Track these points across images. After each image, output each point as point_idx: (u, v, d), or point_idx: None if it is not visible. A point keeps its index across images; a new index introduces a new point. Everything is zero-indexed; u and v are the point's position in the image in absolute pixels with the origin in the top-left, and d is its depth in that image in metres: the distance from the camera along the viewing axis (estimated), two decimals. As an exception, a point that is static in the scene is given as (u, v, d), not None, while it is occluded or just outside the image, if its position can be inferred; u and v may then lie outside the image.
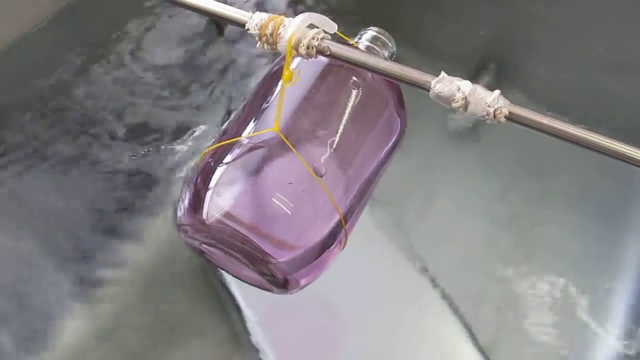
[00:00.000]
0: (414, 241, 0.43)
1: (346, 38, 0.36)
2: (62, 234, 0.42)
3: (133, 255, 0.42)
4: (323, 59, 0.32)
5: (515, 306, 0.40)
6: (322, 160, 0.32)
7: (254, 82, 0.47)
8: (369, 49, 0.38)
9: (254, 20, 0.30)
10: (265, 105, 0.34)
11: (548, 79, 0.49)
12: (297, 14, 0.30)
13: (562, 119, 0.26)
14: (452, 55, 0.51)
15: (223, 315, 0.40)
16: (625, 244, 0.42)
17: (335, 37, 0.32)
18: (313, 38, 0.29)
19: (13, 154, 0.45)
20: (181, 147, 0.46)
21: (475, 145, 0.47)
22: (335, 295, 0.40)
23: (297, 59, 0.33)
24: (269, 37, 0.30)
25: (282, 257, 0.30)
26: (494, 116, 0.27)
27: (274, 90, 0.35)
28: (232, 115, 0.36)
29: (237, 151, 0.32)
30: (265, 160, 0.31)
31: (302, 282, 0.32)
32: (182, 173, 0.45)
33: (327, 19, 0.32)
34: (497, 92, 0.27)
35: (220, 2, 0.32)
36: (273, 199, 0.30)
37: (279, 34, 0.29)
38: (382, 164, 0.36)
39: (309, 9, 0.53)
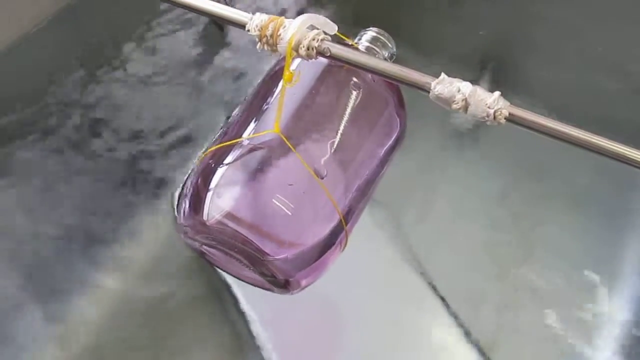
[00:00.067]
0: (414, 241, 0.43)
1: (346, 39, 0.36)
2: (62, 234, 0.42)
3: (133, 255, 0.42)
4: (323, 60, 0.32)
5: (515, 307, 0.40)
6: (322, 162, 0.32)
7: (254, 84, 0.47)
8: (368, 50, 0.38)
9: (254, 21, 0.30)
10: (266, 106, 0.34)
11: (548, 79, 0.49)
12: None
13: (562, 120, 0.26)
14: (452, 56, 0.51)
15: (224, 315, 0.40)
16: (625, 245, 0.42)
17: (335, 38, 0.32)
18: (313, 39, 0.29)
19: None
20: (181, 148, 0.46)
21: (475, 145, 0.47)
22: (335, 296, 0.40)
23: (298, 60, 0.33)
24: (269, 38, 0.30)
25: (282, 258, 0.31)
26: (494, 117, 0.27)
27: (274, 91, 0.35)
28: (233, 116, 0.36)
29: (237, 152, 0.32)
30: (266, 161, 0.31)
31: (303, 282, 0.33)
32: (182, 173, 0.45)
33: (327, 20, 0.32)
34: (497, 93, 0.27)
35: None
36: (273, 200, 0.31)
37: (279, 35, 0.29)
38: (382, 164, 0.36)
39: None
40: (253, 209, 0.31)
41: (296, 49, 0.29)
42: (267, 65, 0.39)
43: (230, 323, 0.39)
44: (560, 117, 0.27)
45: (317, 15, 0.31)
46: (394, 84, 0.36)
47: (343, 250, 0.34)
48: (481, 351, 0.39)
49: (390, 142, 0.36)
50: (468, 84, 0.27)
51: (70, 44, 0.51)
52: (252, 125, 0.33)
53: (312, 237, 0.32)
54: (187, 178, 0.33)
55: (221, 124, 0.48)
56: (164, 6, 0.53)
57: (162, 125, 0.47)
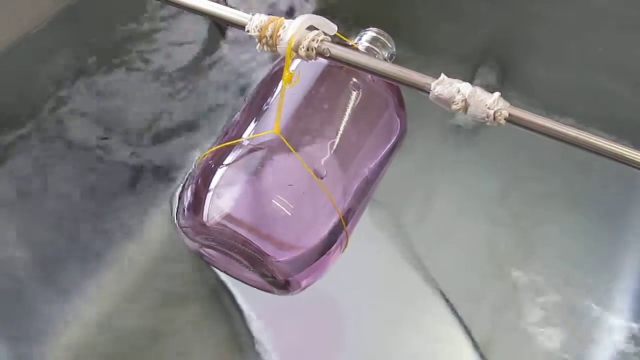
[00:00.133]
0: (414, 241, 0.43)
1: (346, 39, 0.36)
2: (62, 233, 0.42)
3: (133, 255, 0.42)
4: (323, 61, 0.32)
5: (515, 306, 0.40)
6: (322, 162, 0.32)
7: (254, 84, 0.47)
8: (368, 50, 0.38)
9: (254, 22, 0.30)
10: (266, 107, 0.34)
11: (548, 79, 0.49)
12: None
13: (562, 120, 0.26)
14: (452, 56, 0.51)
15: (223, 315, 0.40)
16: (625, 245, 0.42)
17: (335, 39, 0.32)
18: (313, 40, 0.29)
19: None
20: (181, 148, 0.46)
21: (475, 145, 0.47)
22: (335, 296, 0.40)
23: (297, 60, 0.33)
24: (268, 38, 0.29)
25: (282, 259, 0.30)
26: (494, 118, 0.27)
27: (274, 92, 0.35)
28: (233, 117, 0.36)
29: (237, 153, 0.32)
30: (266, 161, 0.31)
31: (303, 283, 0.32)
32: (182, 173, 0.45)
33: (326, 20, 0.32)
34: (497, 94, 0.27)
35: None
36: (273, 200, 0.30)
37: (279, 35, 0.29)
38: (382, 165, 0.36)
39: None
40: (253, 210, 0.31)
41: (296, 49, 0.29)
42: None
43: (230, 323, 0.39)
44: (560, 117, 0.27)
45: (317, 16, 0.31)
46: (394, 85, 0.36)
47: (343, 250, 0.34)
48: (481, 350, 0.39)
49: (391, 142, 0.36)
50: (468, 84, 0.27)
51: (70, 44, 0.51)
52: (252, 125, 0.33)
53: (312, 237, 0.32)
54: (187, 178, 0.33)
55: (223, 125, 0.48)
56: (165, 7, 0.53)
57: (163, 125, 0.47)
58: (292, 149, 0.31)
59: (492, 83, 0.49)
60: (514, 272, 0.41)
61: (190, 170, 0.34)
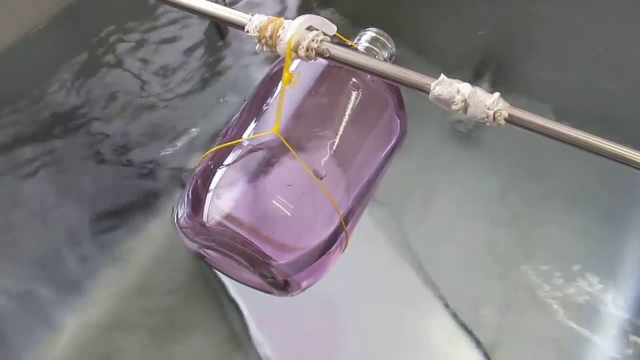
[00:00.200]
0: (414, 242, 0.42)
1: (345, 39, 0.36)
2: (62, 233, 0.42)
3: (133, 254, 0.42)
4: (323, 61, 0.32)
5: (516, 307, 0.40)
6: (322, 163, 0.32)
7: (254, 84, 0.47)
8: (368, 50, 0.38)
9: (253, 22, 0.30)
10: (265, 107, 0.34)
11: (548, 79, 0.49)
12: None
13: (562, 120, 0.26)
14: (451, 56, 0.51)
15: (223, 316, 0.40)
16: (625, 245, 0.42)
17: (334, 39, 0.32)
18: (312, 40, 0.29)
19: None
20: (181, 148, 0.46)
21: (475, 145, 0.47)
22: (334, 296, 0.40)
23: (297, 61, 0.33)
24: (268, 39, 0.29)
25: (282, 259, 0.30)
26: (494, 119, 0.27)
27: (274, 92, 0.35)
28: (233, 117, 0.36)
29: (237, 153, 0.32)
30: (266, 162, 0.31)
31: (303, 284, 0.32)
32: (182, 174, 0.45)
33: (326, 20, 0.32)
34: (496, 94, 0.27)
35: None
36: (273, 201, 0.30)
37: (279, 36, 0.29)
38: (382, 165, 0.36)
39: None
40: (253, 210, 0.31)
41: (295, 50, 0.29)
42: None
43: (229, 324, 0.39)
44: (560, 117, 0.27)
45: (316, 16, 0.31)
46: (394, 85, 0.36)
47: (343, 251, 0.34)
48: (482, 351, 0.39)
49: (391, 143, 0.36)
50: (467, 84, 0.27)
51: (70, 44, 0.51)
52: (251, 126, 0.33)
53: (312, 238, 0.32)
54: (187, 179, 0.33)
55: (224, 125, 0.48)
56: (165, 7, 0.53)
57: (163, 126, 0.47)
58: (291, 150, 0.31)
59: (491, 83, 0.49)
60: (514, 272, 0.41)
61: (191, 171, 0.34)
